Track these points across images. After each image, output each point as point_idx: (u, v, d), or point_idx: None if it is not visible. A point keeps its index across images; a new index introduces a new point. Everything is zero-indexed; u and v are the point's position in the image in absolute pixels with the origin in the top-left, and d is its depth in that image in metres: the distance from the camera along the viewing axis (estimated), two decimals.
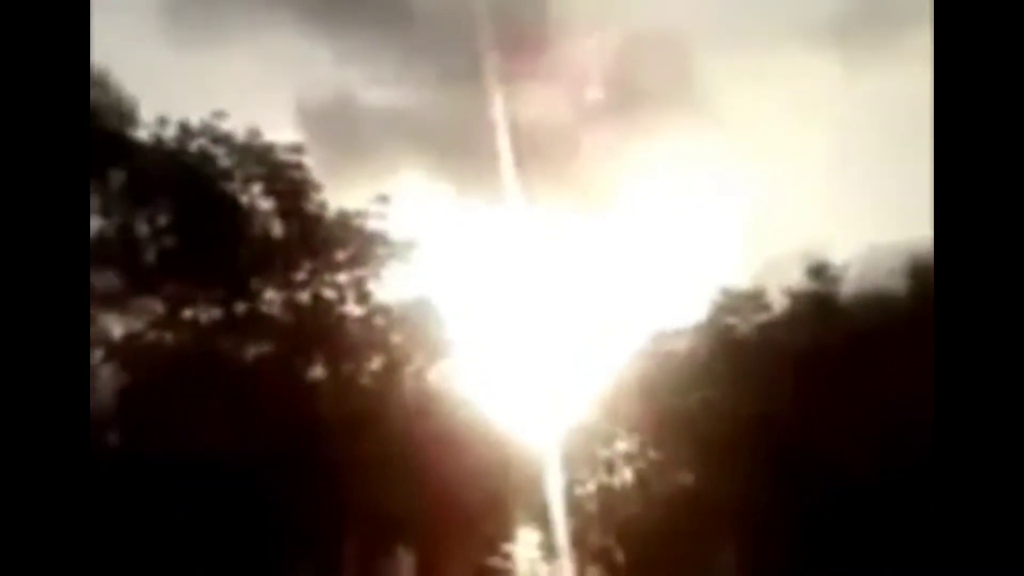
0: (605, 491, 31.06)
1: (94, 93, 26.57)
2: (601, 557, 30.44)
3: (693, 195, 34.30)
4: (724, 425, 28.03)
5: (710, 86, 35.56)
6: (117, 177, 27.12)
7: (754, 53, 35.80)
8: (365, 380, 28.32)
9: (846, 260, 29.97)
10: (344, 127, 34.89)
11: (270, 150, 27.89)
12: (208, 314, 27.37)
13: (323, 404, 27.22)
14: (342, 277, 28.13)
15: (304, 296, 27.99)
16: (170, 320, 26.96)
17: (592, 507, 30.84)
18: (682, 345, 30.84)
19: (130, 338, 26.75)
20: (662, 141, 34.60)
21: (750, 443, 27.29)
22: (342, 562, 27.59)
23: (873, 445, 26.44)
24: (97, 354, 26.33)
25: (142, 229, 27.23)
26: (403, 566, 28.82)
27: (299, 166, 28.04)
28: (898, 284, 28.77)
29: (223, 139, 27.56)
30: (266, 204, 28.03)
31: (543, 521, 29.77)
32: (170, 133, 27.38)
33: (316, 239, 28.00)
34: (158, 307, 26.93)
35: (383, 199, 28.44)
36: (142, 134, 27.42)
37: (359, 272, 28.12)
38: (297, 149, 28.19)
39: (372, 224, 28.20)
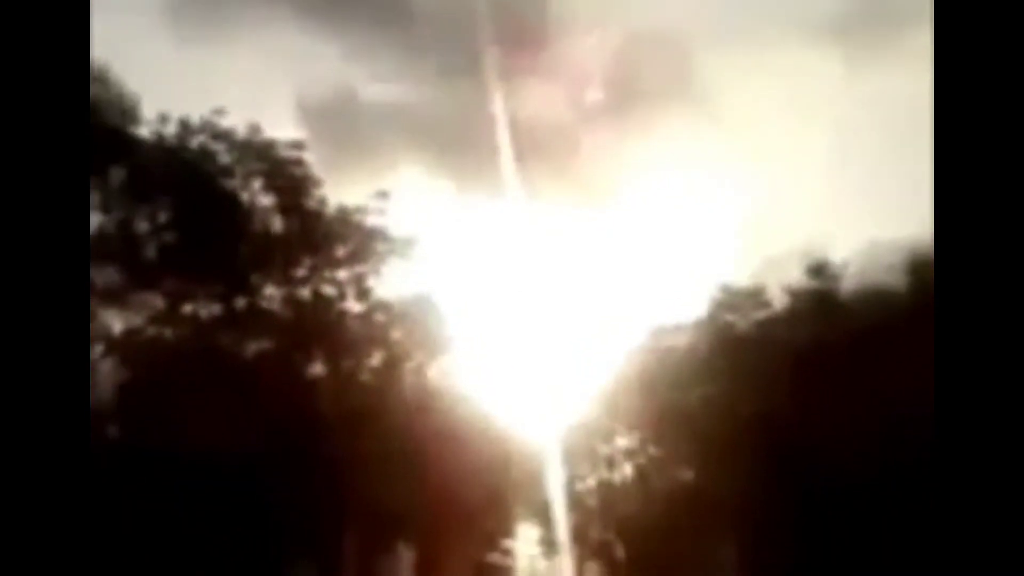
0: (605, 487, 30.99)
1: (96, 89, 26.50)
2: (601, 552, 30.35)
3: (693, 192, 34.19)
4: (724, 421, 27.96)
5: (710, 84, 35.52)
6: (118, 173, 27.03)
7: (754, 51, 35.71)
8: (365, 376, 28.22)
9: (846, 257, 29.91)
10: (344, 123, 34.81)
11: (271, 146, 27.79)
12: (208, 310, 27.28)
13: (323, 400, 27.13)
14: (342, 273, 28.04)
15: (304, 292, 27.89)
16: (170, 315, 26.86)
17: (592, 503, 30.76)
18: (682, 341, 30.77)
19: (130, 333, 26.67)
20: (662, 138, 34.53)
21: (750, 439, 27.19)
22: (342, 558, 27.54)
23: (872, 441, 26.36)
24: (98, 349, 26.30)
25: (143, 225, 27.12)
26: (403, 562, 28.76)
27: (299, 162, 27.94)
28: (897, 281, 28.68)
29: (223, 136, 27.44)
30: (266, 200, 27.93)
31: (543, 517, 29.74)
32: (171, 130, 27.30)
33: (316, 235, 27.91)
34: (158, 302, 26.86)
35: (383, 195, 28.39)
36: (143, 131, 27.36)
37: (359, 268, 28.03)
38: (298, 145, 28.10)
39: (372, 220, 28.12)
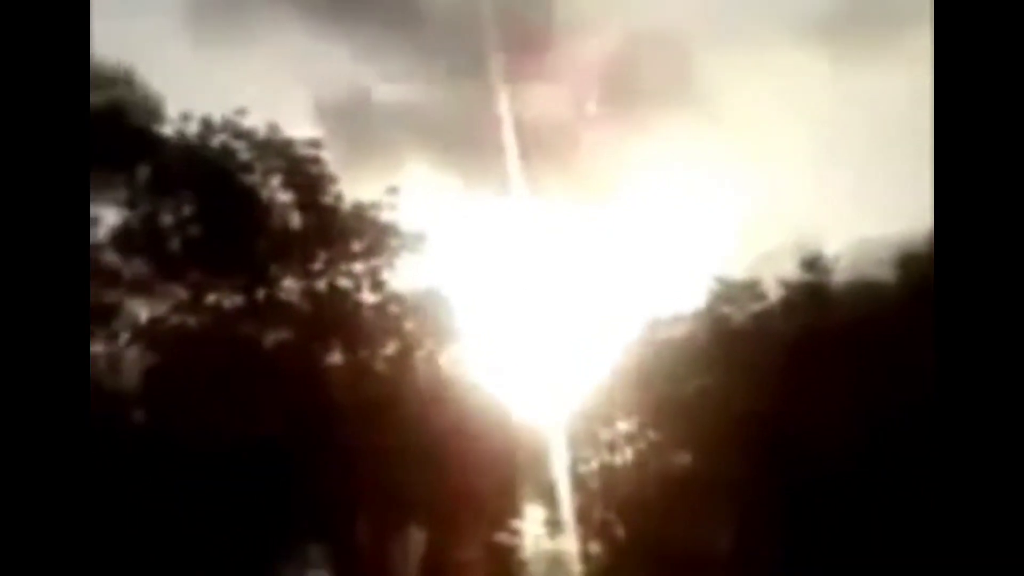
0: (607, 470, 31.81)
1: (122, 91, 27.56)
2: (603, 532, 31.15)
3: (691, 189, 35.03)
4: (720, 408, 28.88)
5: (709, 85, 36.30)
6: (143, 171, 28.02)
7: (751, 52, 36.52)
8: (380, 365, 28.91)
9: (838, 252, 30.58)
10: (358, 123, 35.68)
11: (289, 145, 28.60)
12: (230, 300, 28.12)
13: (339, 387, 27.95)
14: (357, 266, 28.82)
15: (321, 284, 28.66)
16: (194, 305, 27.79)
17: (595, 485, 31.59)
18: (681, 332, 31.60)
19: (155, 322, 27.64)
20: (661, 137, 35.33)
21: (744, 425, 28.07)
22: (356, 539, 28.35)
23: (861, 427, 27.30)
24: (124, 336, 27.32)
25: (167, 220, 28.08)
26: (414, 542, 29.47)
27: (316, 160, 28.74)
28: (887, 274, 29.57)
29: (244, 135, 28.28)
30: (285, 197, 28.76)
31: (549, 498, 30.49)
32: (193, 129, 28.16)
33: (332, 230, 28.70)
34: (182, 293, 27.81)
35: (395, 191, 29.23)
36: (167, 130, 28.26)
37: (374, 262, 28.81)
38: (315, 144, 28.90)
39: (385, 216, 28.96)
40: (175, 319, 27.80)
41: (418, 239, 29.12)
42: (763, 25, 37.37)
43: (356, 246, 28.87)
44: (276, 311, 28.29)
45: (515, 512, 30.67)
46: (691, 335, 31.56)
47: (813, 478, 27.72)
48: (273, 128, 28.51)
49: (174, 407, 26.18)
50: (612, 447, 31.71)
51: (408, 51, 38.17)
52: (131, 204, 27.84)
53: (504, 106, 30.34)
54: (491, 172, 31.45)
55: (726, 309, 31.31)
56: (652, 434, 31.37)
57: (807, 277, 30.71)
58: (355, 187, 29.44)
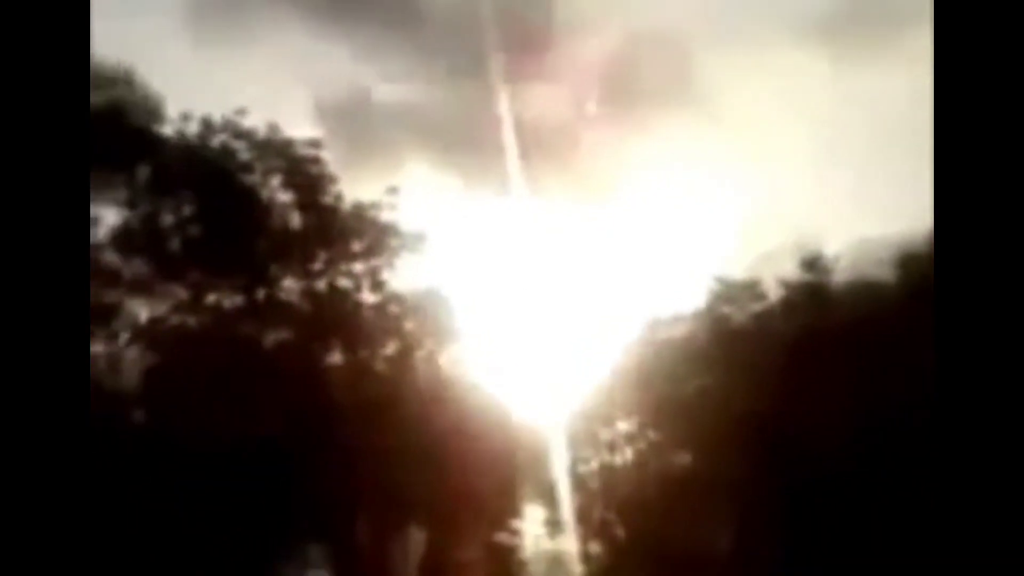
0: (607, 470, 31.81)
1: (122, 91, 27.56)
2: (603, 532, 31.17)
3: (691, 189, 35.06)
4: (720, 407, 28.91)
5: (709, 85, 36.31)
6: (143, 171, 27.99)
7: (752, 52, 36.55)
8: (380, 365, 28.86)
9: (837, 252, 30.60)
10: (358, 123, 35.70)
11: (289, 145, 28.55)
12: (230, 300, 28.07)
13: (339, 387, 27.95)
14: (357, 266, 28.78)
15: (321, 284, 28.62)
16: (194, 305, 27.77)
17: (595, 485, 31.61)
18: (682, 331, 31.62)
19: (155, 322, 27.63)
20: (661, 138, 35.34)
21: (745, 426, 28.11)
22: (357, 539, 28.37)
23: (860, 425, 27.33)
24: (124, 336, 27.32)
25: (167, 220, 28.05)
26: (414, 542, 29.49)
27: (316, 160, 28.68)
28: (886, 274, 29.59)
29: (244, 135, 28.23)
30: (285, 197, 28.70)
31: (549, 498, 30.48)
32: (193, 129, 28.11)
33: (332, 230, 28.64)
34: (182, 293, 27.81)
35: (394, 191, 29.21)
36: (167, 130, 28.20)
37: (374, 262, 28.76)
38: (314, 144, 28.85)
39: (385, 215, 28.92)
40: (175, 319, 27.75)
41: (418, 239, 29.09)
42: (763, 25, 37.37)
43: (356, 246, 28.83)
44: (276, 311, 28.24)
45: (515, 512, 30.63)
46: (691, 335, 31.56)
47: (813, 478, 27.70)
48: (273, 128, 28.46)
49: (174, 407, 26.13)
50: (612, 447, 31.69)
51: (408, 51, 38.18)
52: (131, 204, 27.79)
53: (504, 106, 30.34)
54: (491, 172, 31.45)
55: (726, 309, 31.31)
56: (652, 434, 31.35)
57: (807, 277, 30.72)
58: (355, 187, 29.42)
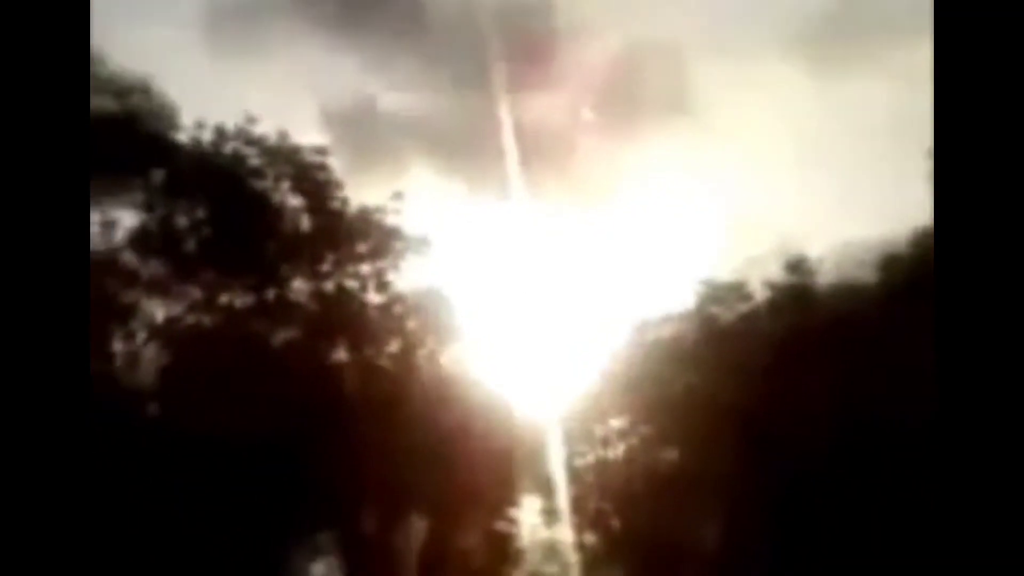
0: (601, 463, 31.72)
1: (139, 100, 27.43)
2: (597, 521, 31.02)
3: (682, 195, 34.91)
4: (708, 405, 28.70)
5: (702, 95, 36.18)
6: (159, 176, 27.98)
7: (741, 63, 36.39)
8: (384, 362, 29.01)
9: (822, 254, 30.65)
10: (364, 130, 35.54)
11: (297, 152, 28.74)
12: (242, 300, 28.17)
13: (345, 384, 27.92)
14: (364, 268, 28.92)
15: (329, 285, 28.79)
16: (208, 305, 27.74)
17: (590, 477, 31.47)
18: (671, 332, 31.49)
19: (171, 321, 27.55)
20: (655, 145, 35.27)
21: (731, 422, 27.91)
22: (361, 528, 28.21)
23: (845, 424, 27.10)
24: (141, 335, 27.14)
25: (182, 222, 28.01)
26: (417, 531, 29.34)
27: (324, 167, 28.90)
28: (868, 276, 29.53)
29: (255, 142, 28.47)
30: (294, 201, 28.89)
31: (545, 489, 30.45)
32: (207, 136, 28.36)
33: (339, 233, 28.86)
34: (197, 293, 27.74)
35: (399, 196, 29.24)
36: (182, 137, 28.41)
37: (379, 264, 28.92)
38: (322, 151, 29.03)
39: (390, 219, 29.03)
40: (190, 318, 27.68)
41: (422, 242, 29.28)
42: (752, 38, 37.23)
43: (362, 248, 29.04)
44: (286, 310, 28.51)
45: (513, 502, 30.55)
46: (680, 335, 31.58)
47: (797, 472, 27.77)
48: (283, 135, 28.82)
49: (190, 402, 26.15)
50: (606, 442, 31.75)
51: (413, 61, 37.95)
52: (148, 207, 27.79)
53: (505, 114, 30.32)
54: (493, 178, 31.49)
55: (714, 310, 31.29)
56: (644, 430, 31.40)
57: (792, 279, 30.70)
58: (361, 192, 29.68)
